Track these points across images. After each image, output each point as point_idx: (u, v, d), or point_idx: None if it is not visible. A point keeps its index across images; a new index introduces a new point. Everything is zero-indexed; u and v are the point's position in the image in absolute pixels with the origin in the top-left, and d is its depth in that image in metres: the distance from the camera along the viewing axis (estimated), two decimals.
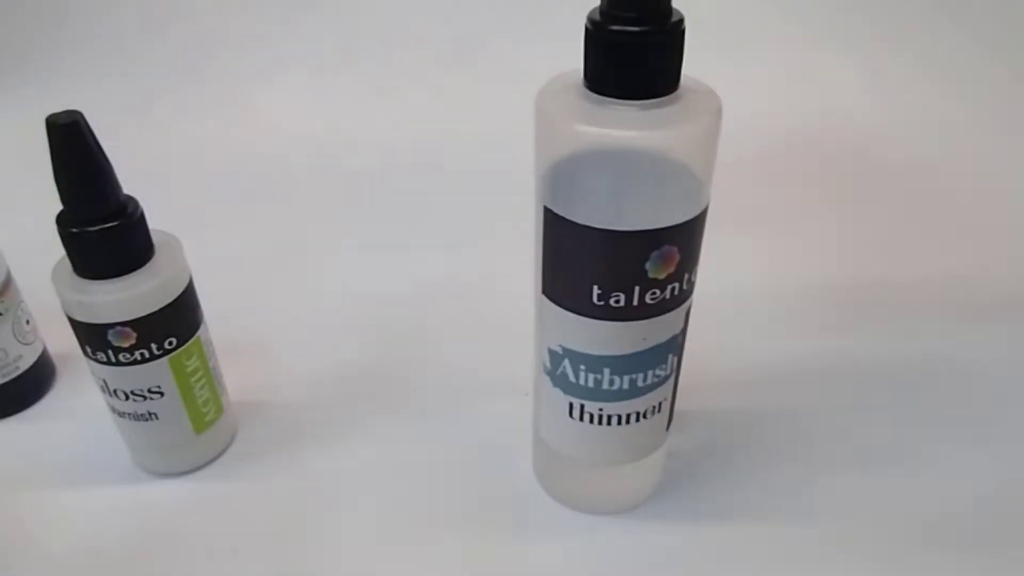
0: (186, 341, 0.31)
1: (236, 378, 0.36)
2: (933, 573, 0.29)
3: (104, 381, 0.30)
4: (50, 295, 0.29)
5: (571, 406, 0.27)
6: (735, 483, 0.33)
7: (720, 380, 0.37)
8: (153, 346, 0.30)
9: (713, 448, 0.34)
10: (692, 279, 0.25)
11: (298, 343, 0.41)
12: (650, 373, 0.26)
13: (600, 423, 0.27)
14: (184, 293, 0.30)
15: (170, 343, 0.30)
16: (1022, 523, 0.31)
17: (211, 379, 0.33)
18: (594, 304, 0.24)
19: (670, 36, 0.21)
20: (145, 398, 0.31)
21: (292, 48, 0.65)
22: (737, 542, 0.30)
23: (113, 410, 0.32)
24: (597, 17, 0.21)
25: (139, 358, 0.29)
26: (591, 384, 0.26)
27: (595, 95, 0.22)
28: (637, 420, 0.28)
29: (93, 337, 0.29)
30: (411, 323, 0.43)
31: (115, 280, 0.28)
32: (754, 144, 0.58)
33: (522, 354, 0.40)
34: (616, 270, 0.24)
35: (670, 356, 0.27)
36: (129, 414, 0.31)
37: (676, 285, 0.24)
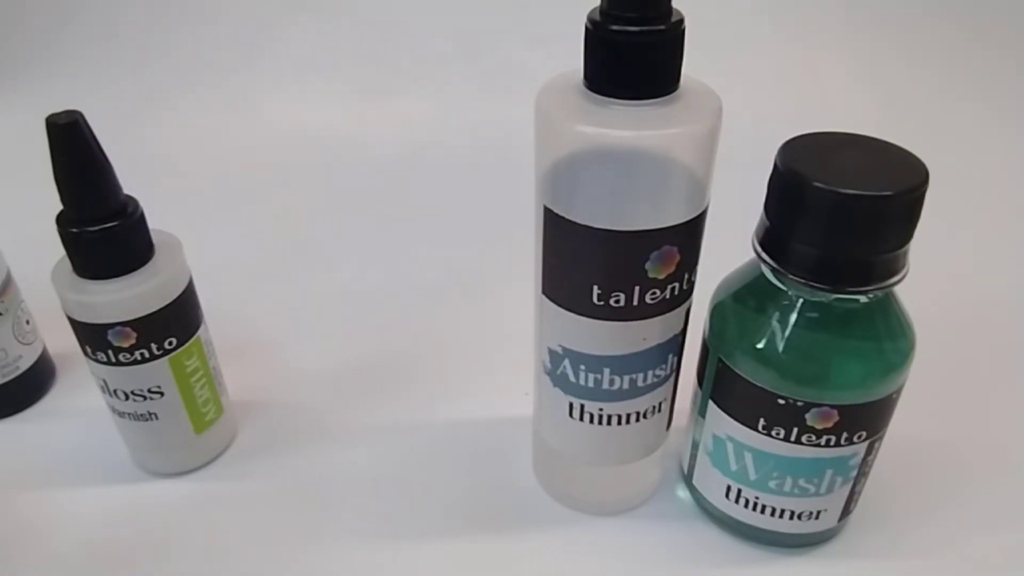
0: (186, 341, 0.31)
1: (236, 378, 0.36)
2: None
3: (104, 381, 0.30)
4: (50, 295, 0.29)
5: (571, 406, 0.27)
6: None
7: None
8: (153, 346, 0.30)
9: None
10: (692, 279, 0.25)
11: (298, 343, 0.41)
12: (650, 373, 0.26)
13: (600, 423, 0.27)
14: (184, 293, 0.30)
15: (170, 343, 0.30)
16: None
17: (211, 379, 0.33)
18: (594, 304, 0.24)
19: (670, 36, 0.21)
20: (145, 398, 0.31)
21: (292, 48, 0.65)
22: (731, 540, 0.30)
23: (113, 410, 0.32)
24: (597, 17, 0.21)
25: (139, 358, 0.29)
26: (591, 384, 0.26)
27: (595, 95, 0.22)
28: (637, 420, 0.28)
29: (93, 337, 0.29)
30: (411, 323, 0.43)
31: (115, 280, 0.28)
32: (755, 144, 0.58)
33: (522, 354, 0.40)
34: (616, 270, 0.24)
35: (670, 356, 0.27)
36: (129, 414, 0.31)
37: (676, 285, 0.24)
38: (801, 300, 0.25)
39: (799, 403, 0.25)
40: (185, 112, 0.63)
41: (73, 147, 0.26)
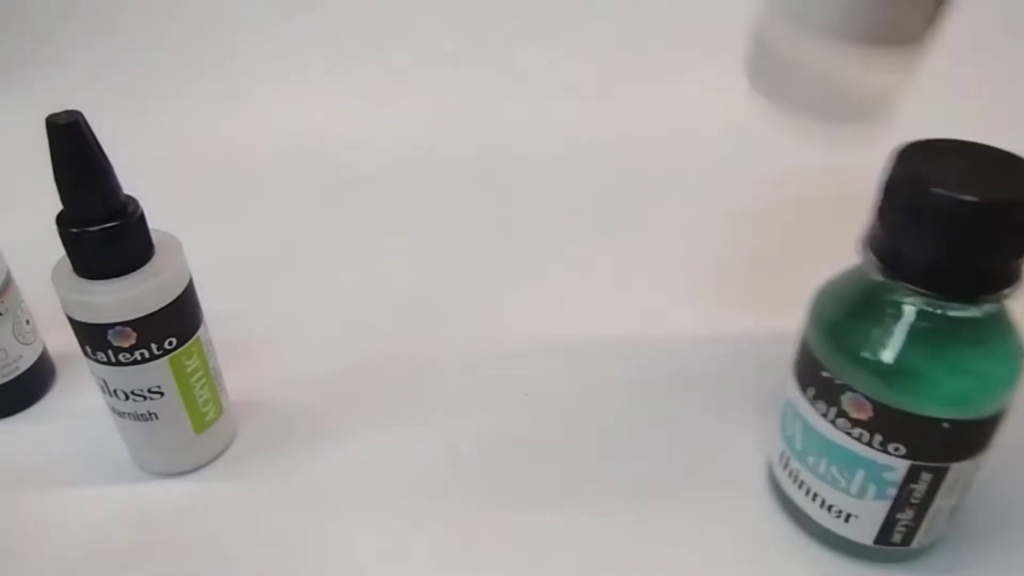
0: (186, 341, 0.31)
1: (236, 378, 0.36)
2: None
3: (104, 381, 0.30)
4: (50, 295, 0.29)
5: None
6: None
7: None
8: (153, 346, 0.30)
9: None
10: None
11: (298, 343, 0.41)
12: None
13: None
14: (184, 293, 0.30)
15: (170, 343, 0.30)
16: None
17: (211, 379, 0.33)
18: None
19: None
20: (145, 398, 0.31)
21: (293, 48, 0.65)
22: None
23: (113, 410, 0.32)
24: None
25: (139, 358, 0.29)
26: None
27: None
28: None
29: (93, 337, 0.29)
30: (411, 322, 0.43)
31: (115, 280, 0.28)
32: (752, 143, 0.58)
33: (522, 354, 0.40)
34: None
35: None
36: (129, 414, 0.31)
37: None
38: (911, 308, 0.24)
39: (836, 381, 0.25)
40: (185, 112, 0.63)
41: (73, 147, 0.26)
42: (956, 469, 0.25)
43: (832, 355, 0.25)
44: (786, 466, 0.29)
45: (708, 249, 0.48)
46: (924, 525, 0.27)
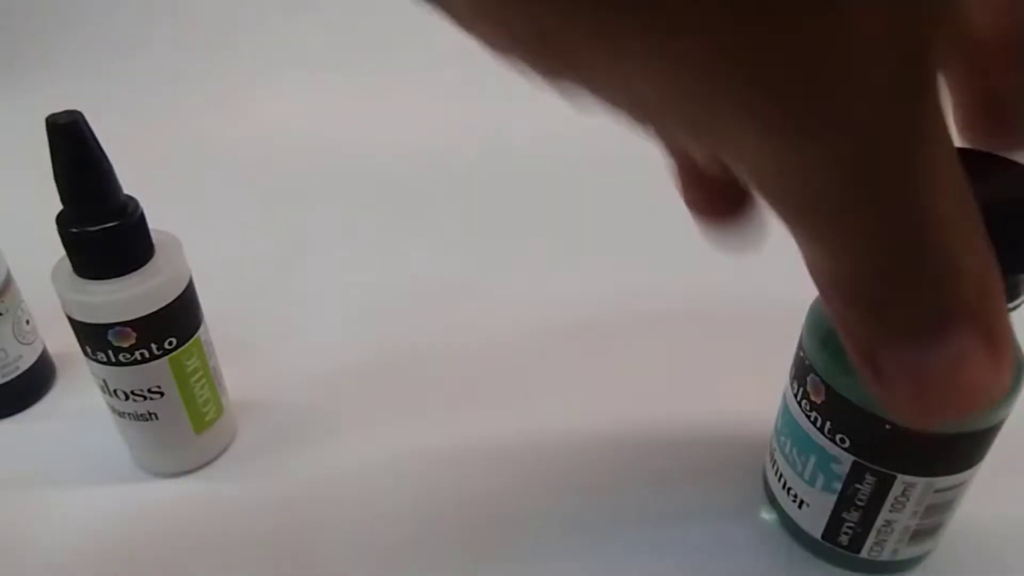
0: (186, 341, 0.31)
1: (236, 378, 0.36)
2: None
3: (104, 381, 0.30)
4: (50, 295, 0.29)
5: None
6: None
7: None
8: (153, 346, 0.29)
9: None
10: None
11: (298, 343, 0.41)
12: None
13: None
14: (184, 293, 0.30)
15: (170, 343, 0.30)
16: None
17: (211, 379, 0.33)
18: None
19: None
20: (145, 398, 0.31)
21: (293, 48, 0.65)
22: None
23: (113, 410, 0.32)
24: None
25: (139, 358, 0.29)
26: None
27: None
28: None
29: (93, 337, 0.29)
30: (411, 323, 0.43)
31: (115, 280, 0.28)
32: None
33: (522, 355, 0.40)
34: None
35: None
36: (129, 414, 0.31)
37: None
38: None
39: (806, 361, 0.25)
40: (185, 112, 0.63)
41: (73, 147, 0.26)
42: (907, 483, 0.25)
43: (826, 364, 0.25)
44: (771, 448, 0.30)
45: (713, 254, 0.48)
46: (873, 535, 0.27)
